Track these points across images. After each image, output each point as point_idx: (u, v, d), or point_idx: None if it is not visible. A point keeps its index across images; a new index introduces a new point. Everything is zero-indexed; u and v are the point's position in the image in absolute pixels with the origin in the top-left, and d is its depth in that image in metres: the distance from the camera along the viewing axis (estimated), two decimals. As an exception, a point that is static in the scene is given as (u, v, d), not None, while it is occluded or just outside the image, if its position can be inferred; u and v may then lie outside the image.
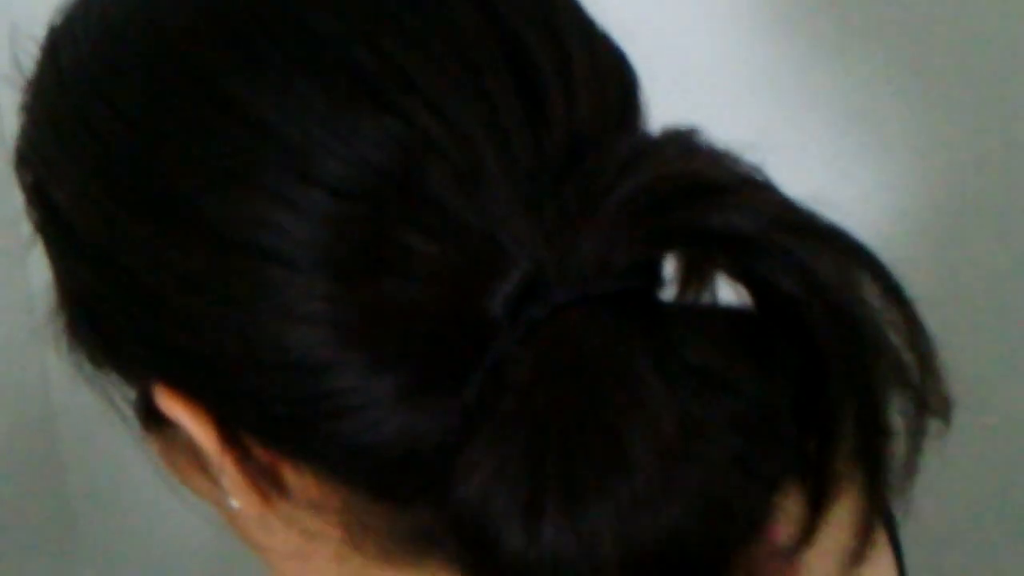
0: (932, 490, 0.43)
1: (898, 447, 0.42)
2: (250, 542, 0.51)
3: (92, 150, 0.44)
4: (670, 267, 0.43)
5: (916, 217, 0.98)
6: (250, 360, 0.42)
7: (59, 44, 0.46)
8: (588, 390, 0.40)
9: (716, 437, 0.40)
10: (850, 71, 0.95)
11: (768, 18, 0.93)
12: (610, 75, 0.45)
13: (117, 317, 0.45)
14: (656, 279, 0.43)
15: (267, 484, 0.46)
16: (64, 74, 0.45)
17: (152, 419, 0.48)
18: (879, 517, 0.43)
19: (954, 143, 0.98)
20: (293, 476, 0.46)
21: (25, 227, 0.48)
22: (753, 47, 0.94)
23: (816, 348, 0.40)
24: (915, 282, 0.42)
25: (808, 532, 0.43)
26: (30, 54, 0.47)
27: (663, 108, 0.46)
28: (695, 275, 0.42)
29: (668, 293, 0.43)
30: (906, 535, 0.55)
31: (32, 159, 0.47)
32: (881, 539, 0.47)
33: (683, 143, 0.42)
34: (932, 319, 0.42)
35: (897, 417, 0.41)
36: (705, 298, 0.43)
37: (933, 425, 0.42)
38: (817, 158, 0.92)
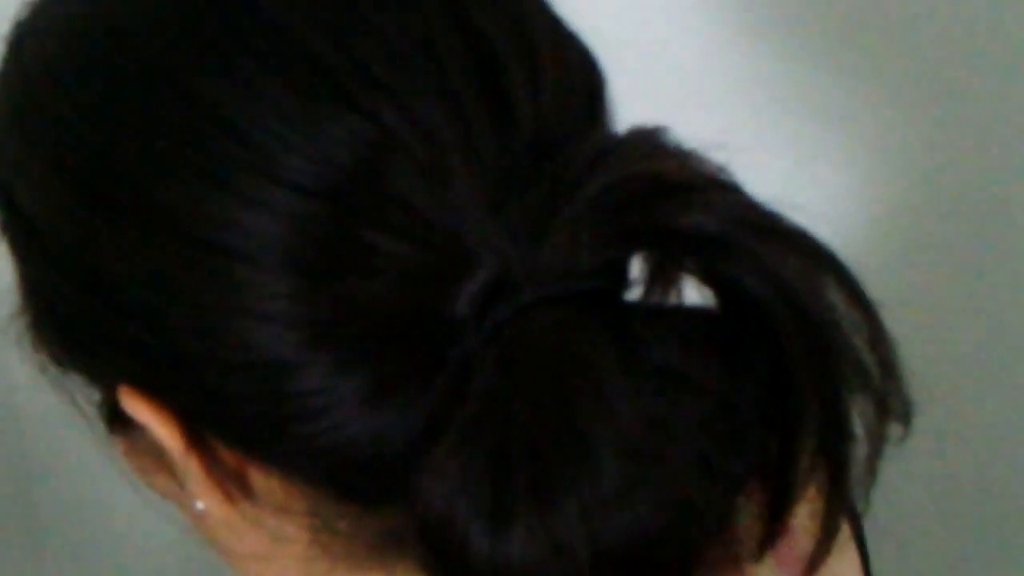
0: (892, 492, 0.43)
1: (859, 450, 0.42)
2: (215, 544, 0.51)
3: (56, 148, 0.44)
4: (637, 268, 0.43)
5: (883, 220, 0.99)
6: (214, 360, 0.42)
7: (23, 41, 0.46)
8: (554, 390, 0.40)
9: (681, 437, 0.40)
10: (819, 71, 0.96)
11: (736, 18, 0.94)
12: (577, 74, 0.45)
13: (81, 317, 0.44)
14: (622, 279, 0.43)
15: (233, 486, 0.46)
16: (28, 71, 0.45)
17: (117, 421, 0.48)
18: (840, 518, 0.43)
19: (923, 145, 0.98)
20: (259, 478, 0.46)
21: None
22: (721, 47, 0.95)
23: (780, 349, 0.41)
24: (880, 285, 0.43)
25: (770, 533, 0.43)
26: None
27: (630, 107, 0.46)
28: (661, 276, 0.42)
29: (635, 293, 0.43)
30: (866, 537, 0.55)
31: None
32: (845, 535, 0.47)
33: (650, 143, 0.42)
34: (897, 322, 0.43)
35: (858, 420, 0.42)
36: (671, 299, 0.43)
37: (894, 428, 0.42)
38: (784, 159, 0.92)
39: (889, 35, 0.95)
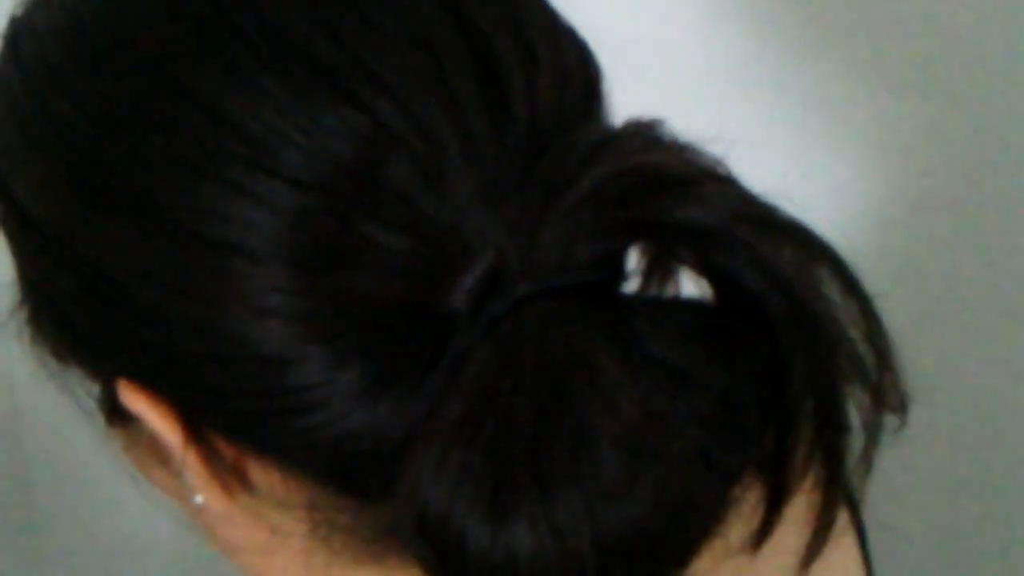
0: (889, 484, 0.43)
1: (855, 442, 0.42)
2: (215, 538, 0.51)
3: (53, 143, 0.44)
4: (634, 260, 0.43)
5: (879, 212, 0.99)
6: (213, 354, 0.42)
7: (20, 36, 0.46)
8: (551, 383, 0.40)
9: (679, 429, 0.40)
10: (815, 64, 0.96)
11: (733, 11, 0.93)
12: (573, 68, 0.45)
13: (79, 311, 0.45)
14: (619, 272, 0.43)
15: (232, 480, 0.46)
16: (25, 67, 0.45)
17: (116, 415, 0.48)
18: (836, 509, 0.43)
19: (919, 138, 0.98)
20: (258, 471, 0.46)
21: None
22: (717, 40, 0.95)
23: (776, 341, 0.41)
24: (876, 277, 0.43)
25: (767, 525, 0.43)
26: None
27: (626, 101, 0.46)
28: (658, 268, 0.43)
29: (632, 286, 0.43)
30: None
31: None
32: (843, 526, 0.48)
33: (646, 136, 0.42)
34: (892, 314, 0.43)
35: (854, 411, 0.42)
36: (668, 291, 0.43)
37: (889, 420, 0.42)
38: (780, 151, 0.92)
39: (886, 28, 0.95)
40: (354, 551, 0.46)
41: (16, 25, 0.47)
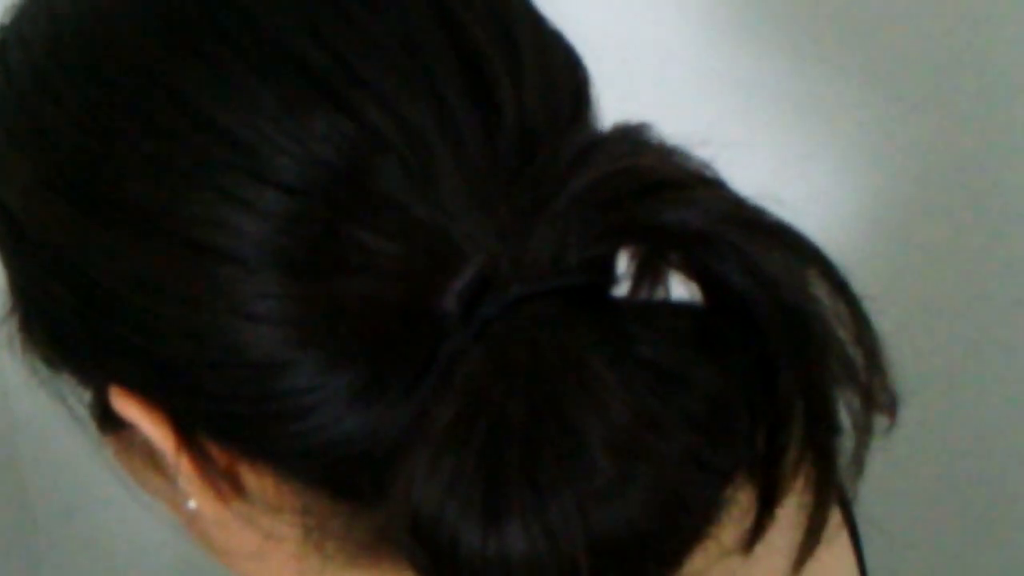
0: (880, 484, 0.44)
1: (847, 443, 0.42)
2: (207, 544, 0.51)
3: (42, 150, 0.44)
4: (624, 263, 0.43)
5: (868, 214, 0.99)
6: (204, 360, 0.42)
7: (7, 43, 0.46)
8: (542, 386, 0.40)
9: (670, 432, 0.41)
10: (803, 68, 0.96)
11: (721, 15, 0.94)
12: (561, 71, 0.45)
13: (70, 318, 0.45)
14: (609, 275, 0.43)
15: (225, 485, 0.46)
16: (12, 73, 0.45)
17: (108, 421, 0.48)
18: (828, 510, 0.43)
19: (908, 140, 0.98)
20: (251, 477, 0.46)
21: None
22: (705, 44, 0.95)
23: (766, 343, 0.41)
24: (865, 279, 0.43)
25: (759, 526, 0.43)
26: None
27: (614, 104, 0.46)
28: (647, 271, 0.43)
29: (622, 289, 0.44)
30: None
31: None
32: (835, 526, 0.48)
33: (634, 139, 0.42)
34: (882, 315, 0.43)
35: (845, 412, 0.42)
36: (658, 294, 0.43)
37: (880, 421, 0.42)
38: (769, 155, 0.92)
39: (876, 27, 0.95)
40: (347, 555, 0.46)
41: (3, 33, 0.47)
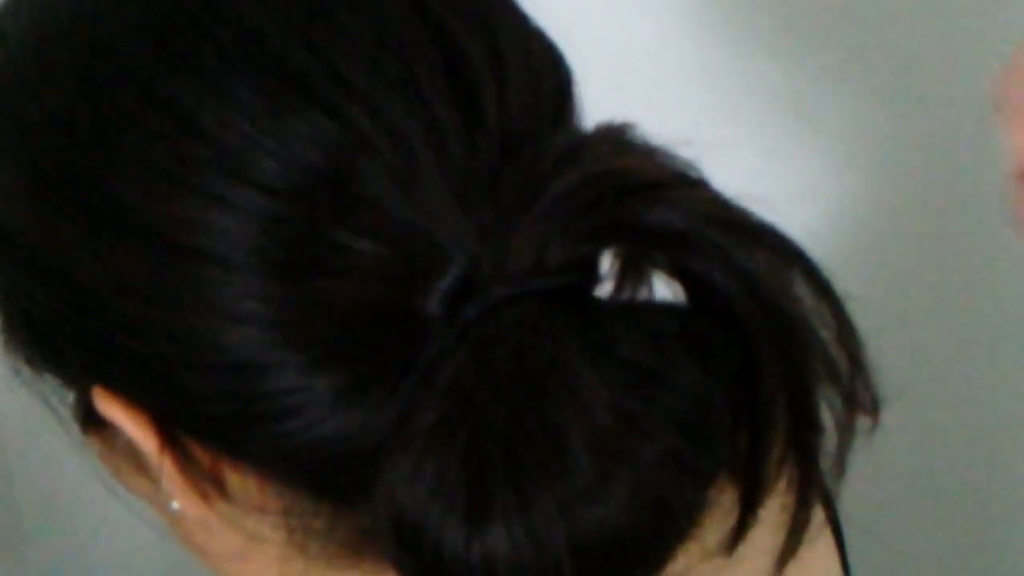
0: (863, 485, 0.44)
1: (829, 444, 0.42)
2: (191, 544, 0.51)
3: (23, 150, 0.44)
4: (607, 263, 0.43)
5: (852, 215, 0.99)
6: (187, 362, 0.42)
7: None
8: (525, 387, 0.40)
9: (652, 433, 0.41)
10: (787, 67, 0.96)
11: (705, 15, 0.94)
12: (544, 71, 0.45)
13: (52, 319, 0.44)
14: (592, 275, 0.43)
15: (208, 486, 0.46)
16: None
17: (91, 422, 0.48)
18: (810, 511, 0.43)
19: (891, 141, 0.98)
20: (235, 478, 0.46)
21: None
22: (689, 43, 0.94)
23: (748, 344, 0.41)
24: (849, 279, 0.43)
25: (742, 527, 0.43)
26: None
27: (597, 104, 0.46)
28: (631, 271, 0.43)
29: (605, 289, 0.44)
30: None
31: None
32: (818, 527, 0.48)
33: (617, 139, 0.42)
34: (866, 316, 0.43)
35: (827, 413, 0.42)
36: (641, 294, 0.43)
37: (863, 422, 0.42)
38: (753, 154, 0.92)
39: (860, 23, 0.95)
40: (330, 556, 0.46)
41: None
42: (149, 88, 0.42)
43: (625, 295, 0.43)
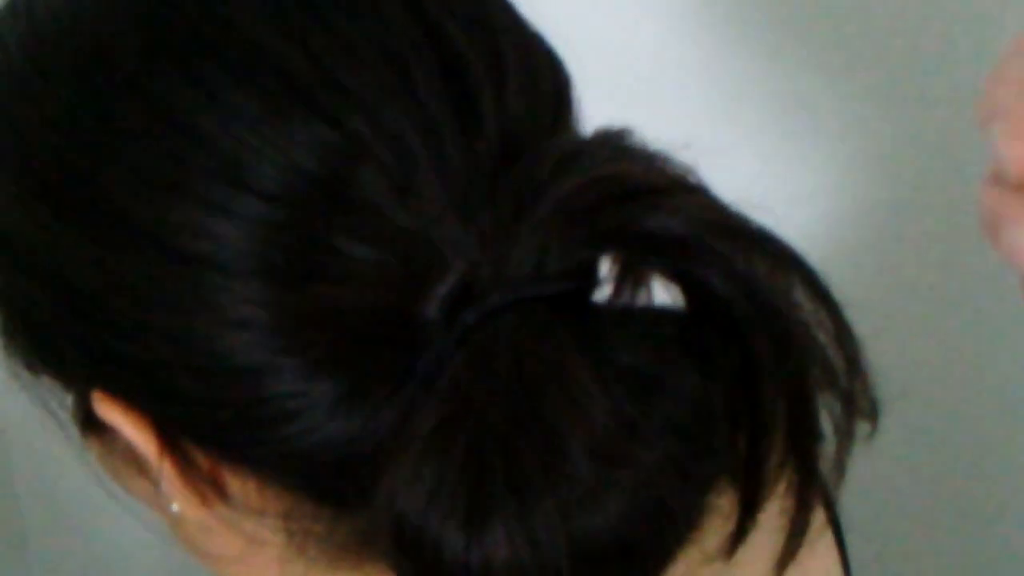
0: (862, 490, 0.44)
1: (828, 448, 0.42)
2: (191, 546, 0.51)
3: (22, 155, 0.44)
4: (606, 267, 0.43)
5: (853, 218, 0.99)
6: (186, 366, 0.42)
7: None
8: (524, 393, 0.40)
9: (651, 439, 0.41)
10: (787, 70, 0.96)
11: (704, 17, 0.93)
12: (542, 76, 0.45)
13: (51, 323, 0.44)
14: (591, 281, 0.43)
15: (208, 489, 0.46)
16: None
17: (90, 425, 0.48)
18: (809, 515, 0.43)
19: (893, 143, 0.98)
20: (234, 481, 0.46)
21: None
22: (688, 47, 0.94)
23: (747, 349, 0.41)
24: (850, 282, 0.43)
25: (741, 531, 0.43)
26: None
27: (596, 108, 0.46)
28: (630, 277, 0.43)
29: (604, 291, 0.43)
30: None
31: None
32: (817, 530, 0.48)
33: (615, 145, 0.42)
34: (868, 319, 0.43)
35: (826, 418, 0.42)
36: (640, 299, 0.43)
37: (862, 427, 0.42)
38: (753, 158, 0.92)
39: (860, 33, 0.95)
40: (330, 559, 0.46)
41: None
42: (148, 95, 0.42)
43: (624, 300, 0.43)
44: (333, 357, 0.41)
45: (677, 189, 0.41)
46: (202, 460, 0.45)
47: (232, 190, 0.40)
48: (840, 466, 0.42)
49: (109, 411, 0.45)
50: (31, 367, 0.47)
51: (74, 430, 0.49)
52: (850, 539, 0.56)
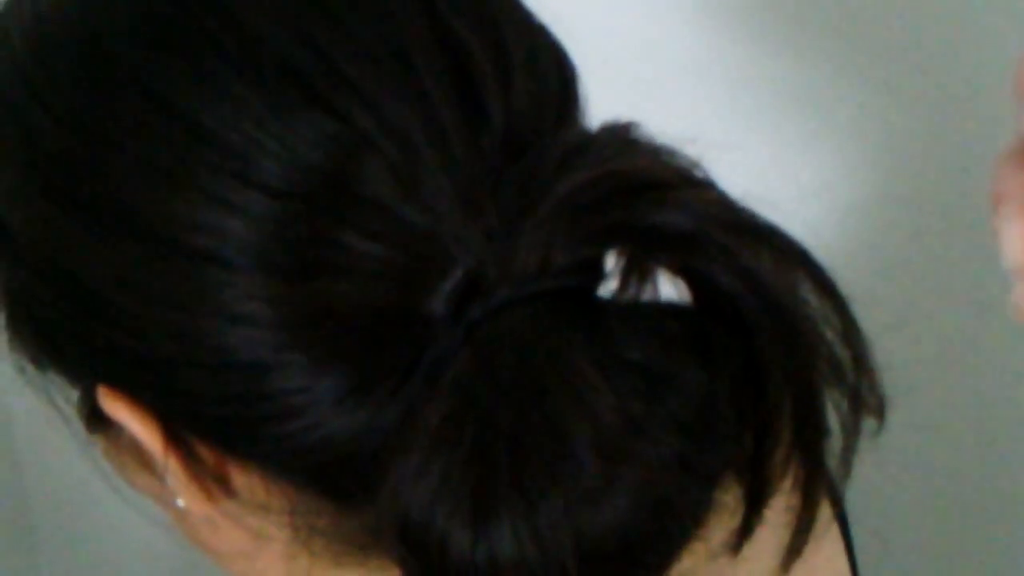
0: (869, 486, 0.43)
1: (834, 445, 0.42)
2: (196, 541, 0.51)
3: (26, 151, 0.43)
4: (612, 261, 0.43)
5: (861, 213, 0.99)
6: (191, 362, 0.42)
7: None
8: (530, 388, 0.40)
9: (657, 435, 0.41)
10: (795, 64, 0.95)
11: (711, 10, 0.93)
12: (548, 70, 0.45)
13: (57, 319, 0.44)
14: (597, 276, 0.43)
15: (213, 484, 0.46)
16: None
17: (96, 420, 0.48)
18: (816, 511, 0.43)
19: (901, 138, 0.98)
20: (239, 476, 0.46)
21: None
22: (694, 40, 0.94)
23: (753, 345, 0.41)
24: (858, 278, 0.43)
25: (747, 527, 0.43)
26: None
27: (602, 101, 0.46)
28: (635, 271, 0.42)
29: (610, 285, 0.43)
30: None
31: None
32: (823, 527, 0.48)
33: (622, 139, 0.42)
34: (876, 314, 0.43)
35: (833, 414, 0.42)
36: (646, 293, 0.43)
37: (868, 423, 0.42)
38: (760, 151, 0.92)
39: (870, 24, 0.95)
40: (335, 555, 0.46)
41: None
42: (151, 89, 0.41)
43: (629, 295, 0.43)
44: (338, 353, 0.41)
45: (684, 184, 0.41)
46: (207, 455, 0.45)
47: (237, 185, 0.40)
48: (847, 462, 0.42)
49: (114, 406, 0.45)
50: (36, 362, 0.47)
51: (80, 425, 0.50)
52: (857, 535, 0.56)
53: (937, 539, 1.09)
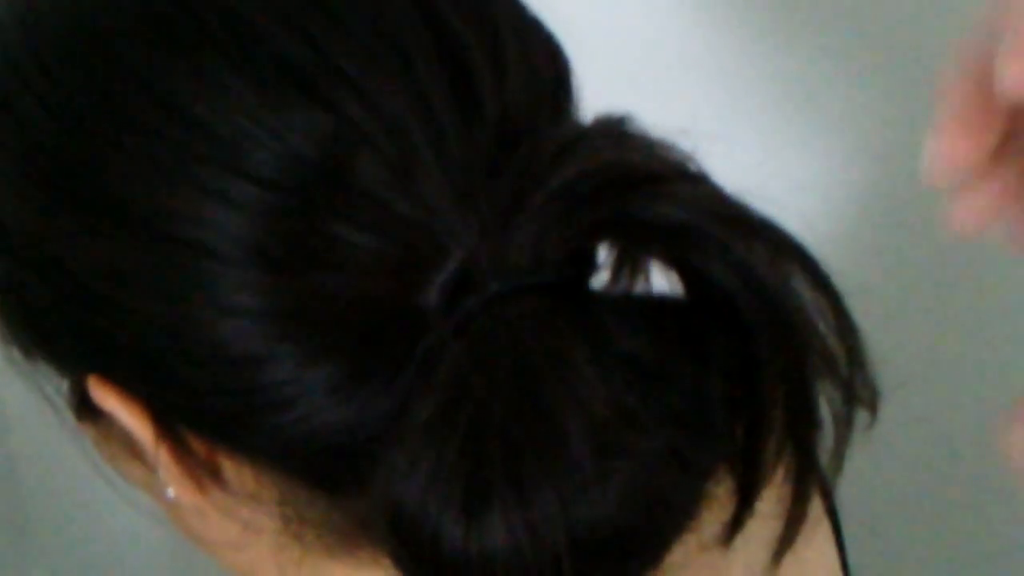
0: (859, 480, 0.43)
1: (827, 438, 0.42)
2: (188, 532, 0.51)
3: (19, 142, 0.43)
4: (604, 253, 0.43)
5: (856, 207, 0.99)
6: (182, 353, 0.42)
7: None
8: (523, 380, 0.40)
9: (650, 427, 0.41)
10: (788, 57, 0.95)
11: (704, 4, 0.93)
12: (542, 63, 0.45)
13: (47, 309, 0.44)
14: (590, 269, 0.43)
15: (204, 475, 0.46)
16: None
17: (86, 410, 0.48)
18: (807, 504, 0.43)
19: (896, 132, 0.98)
20: (230, 467, 0.46)
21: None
22: (687, 34, 0.94)
23: (747, 337, 0.41)
24: (852, 271, 0.43)
25: (738, 519, 0.43)
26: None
27: (596, 94, 0.45)
28: (629, 264, 0.43)
29: (602, 278, 0.43)
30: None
31: None
32: (815, 520, 0.48)
33: (615, 132, 0.42)
34: (870, 309, 0.43)
35: (825, 408, 0.42)
36: (639, 285, 0.43)
37: (861, 416, 0.42)
38: (754, 144, 0.92)
39: (861, 20, 0.95)
40: (326, 546, 0.46)
41: None
42: (145, 80, 0.41)
43: (621, 287, 0.43)
44: (331, 344, 0.41)
45: (677, 177, 0.41)
46: (198, 446, 0.45)
47: (230, 177, 0.40)
48: (839, 455, 0.42)
49: (105, 397, 0.45)
50: (27, 352, 0.47)
51: (71, 416, 0.49)
52: (847, 528, 0.56)
53: (928, 533, 1.09)
